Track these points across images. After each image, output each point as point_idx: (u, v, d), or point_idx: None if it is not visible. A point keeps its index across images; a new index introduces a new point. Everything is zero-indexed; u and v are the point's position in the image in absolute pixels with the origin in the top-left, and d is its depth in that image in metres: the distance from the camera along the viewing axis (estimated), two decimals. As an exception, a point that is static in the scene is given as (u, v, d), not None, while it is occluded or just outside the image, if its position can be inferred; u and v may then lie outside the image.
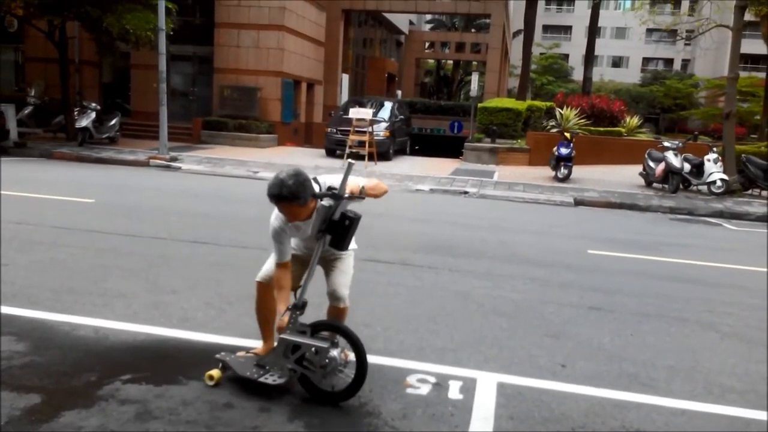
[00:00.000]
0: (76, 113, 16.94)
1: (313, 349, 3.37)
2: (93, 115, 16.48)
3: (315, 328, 3.45)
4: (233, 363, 3.60)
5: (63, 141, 16.98)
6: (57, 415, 3.15)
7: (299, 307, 3.45)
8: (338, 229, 3.35)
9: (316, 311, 4.03)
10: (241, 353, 3.76)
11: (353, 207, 3.46)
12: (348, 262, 3.73)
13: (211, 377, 3.56)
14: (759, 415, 3.67)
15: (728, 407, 3.75)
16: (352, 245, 3.68)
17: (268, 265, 3.69)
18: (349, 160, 3.42)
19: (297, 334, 3.42)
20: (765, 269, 7.64)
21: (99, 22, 14.95)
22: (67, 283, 5.29)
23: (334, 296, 3.69)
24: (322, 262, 3.72)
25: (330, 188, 3.34)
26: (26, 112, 17.48)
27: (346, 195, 3.32)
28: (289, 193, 3.19)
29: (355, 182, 3.40)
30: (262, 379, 3.45)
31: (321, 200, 3.34)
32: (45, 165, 13.51)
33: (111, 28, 14.78)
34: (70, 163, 14.21)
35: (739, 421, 3.59)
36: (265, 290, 3.68)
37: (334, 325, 3.54)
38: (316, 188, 3.35)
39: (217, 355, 3.69)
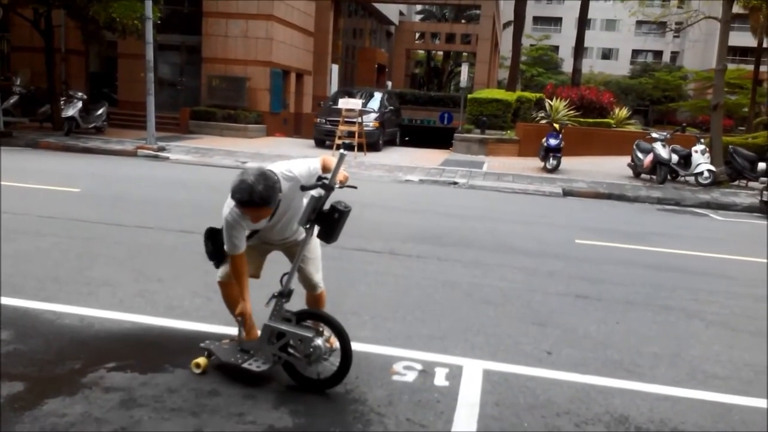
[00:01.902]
0: (62, 103, 16.75)
1: (297, 338, 3.36)
2: (80, 104, 16.29)
3: (300, 316, 3.44)
4: (217, 350, 3.58)
5: (49, 130, 16.79)
6: (40, 403, 3.13)
7: (285, 294, 3.43)
8: (328, 221, 3.30)
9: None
10: (225, 341, 3.74)
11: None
12: (312, 246, 3.61)
13: (197, 365, 3.55)
14: (741, 400, 3.71)
15: (711, 393, 3.78)
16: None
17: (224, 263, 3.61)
18: (341, 150, 3.35)
19: (282, 321, 3.41)
20: (751, 259, 7.72)
21: (85, 10, 14.79)
22: (52, 271, 5.25)
23: (308, 284, 3.69)
24: (284, 251, 3.70)
25: (320, 178, 3.30)
26: (12, 101, 17.29)
27: (337, 185, 3.29)
28: (260, 199, 3.07)
29: (313, 164, 3.34)
30: (245, 365, 3.43)
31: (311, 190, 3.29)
32: (31, 154, 13.37)
33: (97, 16, 14.61)
34: (57, 152, 14.06)
35: (721, 406, 3.63)
36: (229, 287, 3.61)
37: (318, 314, 3.53)
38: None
39: (202, 344, 3.67)
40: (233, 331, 4.09)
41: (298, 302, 3.68)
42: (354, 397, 3.40)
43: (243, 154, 15.02)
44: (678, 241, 8.69)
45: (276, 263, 3.80)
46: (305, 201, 3.38)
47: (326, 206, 3.31)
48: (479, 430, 3.17)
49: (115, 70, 21.06)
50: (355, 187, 3.47)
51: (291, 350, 3.38)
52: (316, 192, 3.28)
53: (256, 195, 3.06)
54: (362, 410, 3.27)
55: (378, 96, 19.65)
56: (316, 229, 3.41)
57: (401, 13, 39.41)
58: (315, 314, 3.54)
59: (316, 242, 3.64)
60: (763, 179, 14.04)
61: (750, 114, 25.82)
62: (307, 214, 3.29)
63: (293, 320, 3.41)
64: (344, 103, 16.13)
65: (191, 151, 15.20)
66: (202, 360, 3.56)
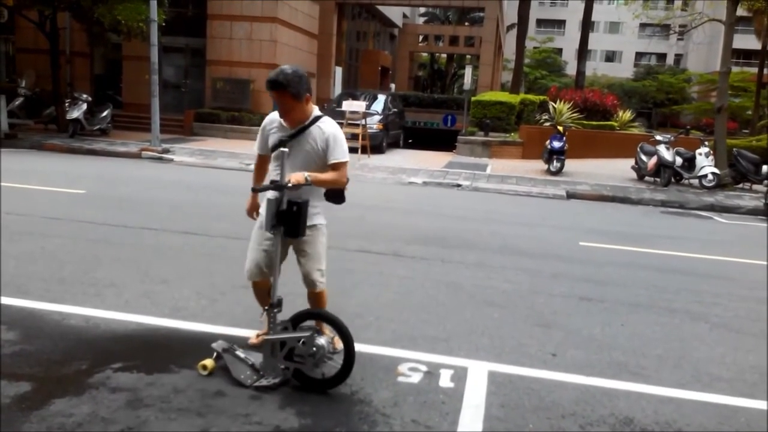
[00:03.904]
0: (67, 105, 16.79)
1: (299, 341, 3.38)
2: (84, 106, 16.34)
3: (296, 321, 3.46)
4: (229, 361, 3.57)
5: (54, 132, 16.85)
6: (47, 403, 3.14)
7: (275, 305, 3.46)
8: (289, 217, 3.35)
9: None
10: (238, 350, 3.65)
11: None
12: (315, 243, 3.67)
13: (204, 367, 3.55)
14: (746, 403, 3.71)
15: (716, 395, 3.78)
16: (320, 220, 3.69)
17: (249, 262, 3.71)
18: (282, 148, 3.41)
19: (279, 331, 3.44)
20: (755, 261, 7.71)
21: (90, 12, 14.83)
22: (57, 273, 5.27)
23: (307, 281, 3.72)
24: (294, 247, 3.72)
25: (272, 181, 3.37)
26: (17, 103, 17.33)
27: (289, 184, 3.31)
28: (285, 80, 3.34)
29: (299, 173, 3.42)
30: (257, 384, 3.43)
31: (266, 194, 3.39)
32: (36, 156, 13.42)
33: (102, 18, 14.66)
34: (61, 154, 14.12)
35: (727, 409, 3.62)
36: (257, 285, 3.75)
37: (312, 313, 3.55)
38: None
39: (213, 345, 3.67)
40: (238, 332, 4.12)
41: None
42: (359, 398, 3.41)
43: (247, 156, 15.03)
44: (682, 243, 8.68)
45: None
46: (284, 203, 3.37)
47: (283, 205, 3.36)
48: (484, 431, 3.18)
49: (119, 73, 21.11)
50: (310, 183, 3.41)
51: (297, 357, 3.40)
52: (271, 195, 3.34)
53: (282, 75, 3.35)
54: (368, 411, 3.28)
55: (381, 98, 19.66)
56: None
57: (405, 16, 39.43)
58: (309, 314, 3.54)
59: (316, 237, 3.67)
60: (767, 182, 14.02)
61: (754, 117, 25.76)
62: (269, 219, 3.34)
63: (290, 327, 3.43)
64: (348, 106, 16.15)
65: (195, 153, 15.24)
66: (209, 362, 3.56)
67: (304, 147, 3.50)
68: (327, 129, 3.52)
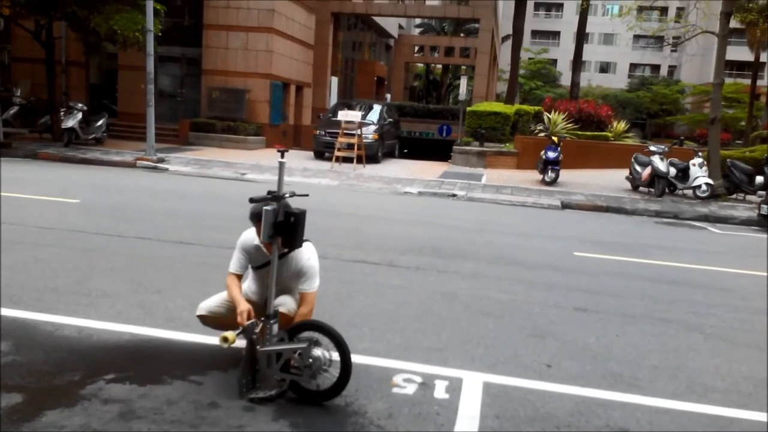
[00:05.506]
0: (62, 114, 16.78)
1: (295, 353, 3.36)
2: (79, 115, 16.33)
3: (292, 332, 3.44)
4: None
5: (49, 141, 16.82)
6: (39, 415, 3.11)
7: (271, 316, 3.45)
8: (286, 228, 3.37)
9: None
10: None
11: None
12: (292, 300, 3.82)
13: (225, 339, 3.32)
14: (741, 414, 3.70)
15: (711, 406, 3.78)
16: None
17: (210, 301, 3.87)
18: (280, 159, 3.44)
19: (275, 342, 3.42)
20: (749, 272, 7.73)
21: (86, 22, 14.85)
22: (50, 282, 5.24)
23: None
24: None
25: (269, 192, 3.39)
26: (12, 112, 17.33)
27: (287, 195, 3.38)
28: None
29: (291, 305, 3.70)
30: (252, 395, 3.40)
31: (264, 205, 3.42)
32: (30, 165, 13.38)
33: (98, 28, 14.68)
34: (56, 163, 14.08)
35: (721, 420, 3.62)
36: (206, 319, 3.87)
37: (309, 323, 3.51)
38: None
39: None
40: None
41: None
42: (354, 410, 3.39)
43: (242, 166, 15.04)
44: (676, 254, 8.70)
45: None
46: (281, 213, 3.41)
47: (280, 216, 3.37)
48: (479, 442, 3.16)
49: (115, 82, 21.13)
50: (307, 195, 3.57)
51: (293, 369, 3.38)
52: (268, 206, 3.35)
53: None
54: (362, 423, 3.26)
55: (377, 108, 19.72)
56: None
57: (400, 27, 39.62)
58: (306, 325, 3.52)
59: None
60: (761, 192, 14.07)
61: (747, 128, 25.97)
62: (267, 228, 3.34)
63: (286, 338, 3.42)
64: (343, 115, 16.17)
65: (190, 162, 15.22)
66: (230, 335, 3.33)
67: (282, 274, 3.62)
68: (304, 259, 3.67)
